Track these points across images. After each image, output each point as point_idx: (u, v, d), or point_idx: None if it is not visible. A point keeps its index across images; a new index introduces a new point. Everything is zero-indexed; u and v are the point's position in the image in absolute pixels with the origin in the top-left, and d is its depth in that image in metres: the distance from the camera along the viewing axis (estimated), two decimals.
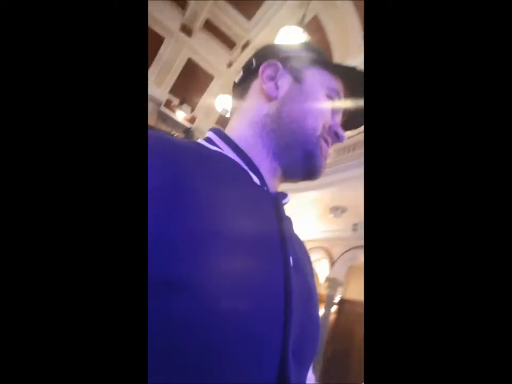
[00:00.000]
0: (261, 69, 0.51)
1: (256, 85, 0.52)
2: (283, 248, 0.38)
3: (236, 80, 0.55)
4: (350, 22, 7.37)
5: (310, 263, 0.52)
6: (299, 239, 0.52)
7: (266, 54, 0.52)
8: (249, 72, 0.53)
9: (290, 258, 0.38)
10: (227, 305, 0.28)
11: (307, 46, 0.54)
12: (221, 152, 0.44)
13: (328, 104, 0.50)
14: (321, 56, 0.53)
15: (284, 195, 0.47)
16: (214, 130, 0.49)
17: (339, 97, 0.51)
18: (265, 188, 0.45)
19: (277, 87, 0.50)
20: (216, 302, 0.27)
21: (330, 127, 0.50)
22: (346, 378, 6.70)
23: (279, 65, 0.51)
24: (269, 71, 0.51)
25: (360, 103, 0.52)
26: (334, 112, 0.51)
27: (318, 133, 0.48)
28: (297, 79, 0.50)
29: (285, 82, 0.50)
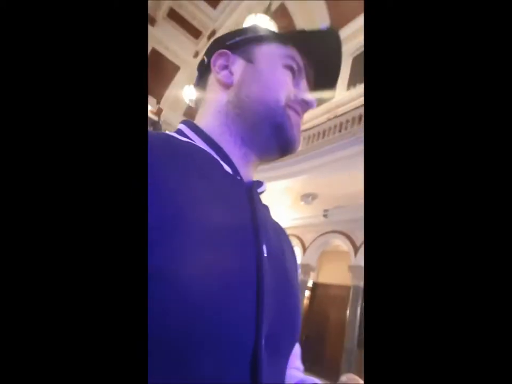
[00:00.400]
0: (212, 61, 0.52)
1: (212, 79, 0.53)
2: (255, 236, 0.38)
3: (194, 83, 0.56)
4: (317, 8, 7.39)
5: (291, 250, 0.52)
6: (278, 226, 0.52)
7: (215, 46, 0.53)
8: (204, 70, 0.54)
9: (264, 246, 0.38)
10: (198, 294, 0.28)
11: (252, 27, 0.54)
12: (192, 143, 0.45)
13: (287, 73, 0.50)
14: (267, 32, 0.53)
15: (259, 183, 0.48)
16: (185, 122, 0.49)
17: (298, 64, 0.51)
18: (238, 177, 0.45)
19: (231, 74, 0.50)
20: (187, 291, 0.28)
21: (295, 96, 0.50)
22: (321, 361, 6.88)
23: (229, 52, 0.52)
24: (220, 61, 0.51)
25: (324, 62, 0.53)
26: (296, 79, 0.51)
27: (282, 104, 0.48)
28: (250, 59, 0.51)
29: (238, 66, 0.51)
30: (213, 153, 0.45)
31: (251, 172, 0.51)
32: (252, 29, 0.53)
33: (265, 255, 0.38)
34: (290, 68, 0.50)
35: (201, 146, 0.45)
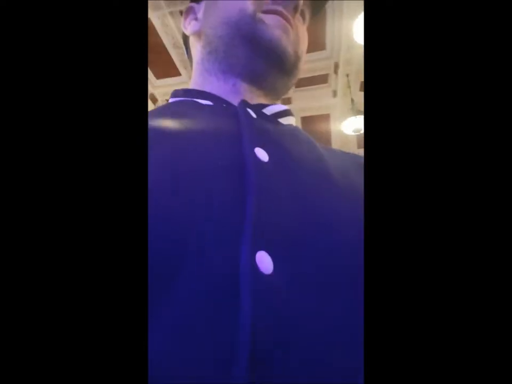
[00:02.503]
0: (182, 24, 0.50)
1: (189, 39, 0.51)
2: (241, 142, 0.32)
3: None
4: None
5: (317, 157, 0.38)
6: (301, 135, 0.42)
7: (185, 12, 0.51)
8: (185, 37, 0.53)
9: (258, 150, 0.31)
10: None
11: None
12: (178, 102, 0.44)
13: None
14: None
15: (259, 105, 0.42)
16: (174, 92, 0.48)
17: None
18: (223, 105, 0.42)
19: (197, 20, 0.48)
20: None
21: None
22: None
23: (193, 4, 0.50)
24: (188, 18, 0.50)
25: None
26: None
27: (249, 11, 0.42)
28: None
29: (201, 9, 0.48)
30: (200, 101, 0.43)
31: (256, 100, 0.45)
32: None
33: (264, 160, 0.30)
34: None
35: (187, 102, 0.43)
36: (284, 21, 0.43)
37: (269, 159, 0.31)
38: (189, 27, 0.49)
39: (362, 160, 0.43)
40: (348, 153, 0.46)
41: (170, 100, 0.47)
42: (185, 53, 0.55)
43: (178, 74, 3.89)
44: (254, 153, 0.30)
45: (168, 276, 0.22)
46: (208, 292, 0.21)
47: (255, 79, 0.44)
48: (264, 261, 0.23)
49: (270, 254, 0.23)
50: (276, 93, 0.48)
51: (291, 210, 0.28)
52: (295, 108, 4.35)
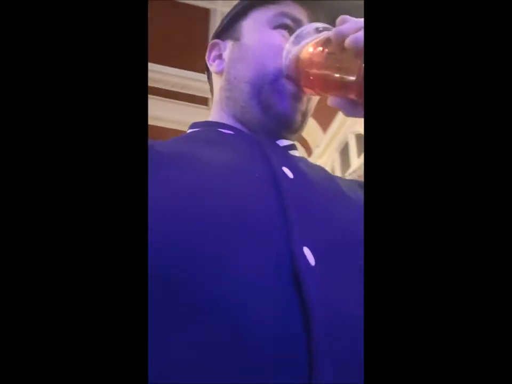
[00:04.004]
0: (206, 58, 0.51)
1: (211, 74, 0.52)
2: (269, 161, 0.37)
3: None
4: None
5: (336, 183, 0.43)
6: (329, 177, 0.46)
7: (210, 46, 0.52)
8: (207, 70, 0.54)
9: (284, 168, 0.36)
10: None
11: (237, 3, 0.50)
12: (203, 130, 0.47)
13: (279, 35, 0.45)
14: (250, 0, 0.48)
15: (273, 140, 0.45)
16: (193, 124, 0.50)
17: (293, 18, 0.45)
18: (242, 135, 0.45)
19: (222, 60, 0.49)
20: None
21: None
22: None
23: (218, 41, 0.50)
24: (213, 54, 0.50)
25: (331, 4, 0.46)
26: (296, 40, 0.44)
27: (270, 78, 0.44)
28: (237, 38, 0.48)
29: (227, 50, 0.49)
30: (222, 130, 0.45)
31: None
32: (236, 4, 0.49)
33: (290, 177, 0.35)
34: (283, 27, 0.45)
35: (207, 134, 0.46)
36: (300, 91, 0.44)
37: (294, 176, 0.36)
38: (214, 64, 0.50)
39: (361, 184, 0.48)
40: (351, 180, 0.51)
41: (189, 131, 0.48)
42: (208, 79, 0.56)
43: None
44: (283, 170, 0.36)
45: (218, 273, 0.25)
46: (261, 282, 0.25)
47: (266, 134, 0.46)
48: (309, 255, 0.27)
49: (311, 250, 0.28)
50: (297, 131, 0.50)
51: (320, 216, 0.33)
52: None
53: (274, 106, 0.44)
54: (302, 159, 0.46)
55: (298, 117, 0.46)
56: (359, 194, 0.42)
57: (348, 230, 0.33)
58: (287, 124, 0.45)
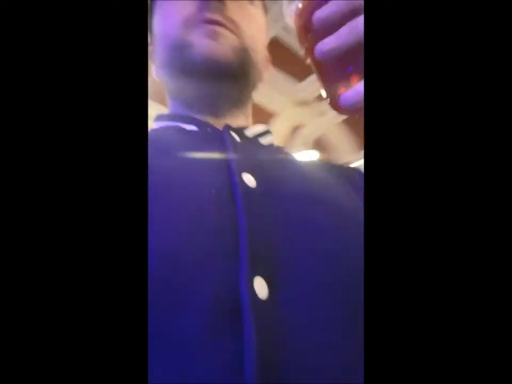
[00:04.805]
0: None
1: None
2: (229, 168, 0.32)
3: None
4: None
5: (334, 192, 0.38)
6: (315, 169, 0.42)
7: None
8: None
9: (245, 176, 0.31)
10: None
11: None
12: (164, 129, 0.44)
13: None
14: None
15: (240, 128, 0.43)
16: (159, 116, 0.49)
17: None
18: (208, 129, 0.42)
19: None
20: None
21: (197, 15, 0.42)
22: None
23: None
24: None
25: None
26: None
27: (177, 42, 0.42)
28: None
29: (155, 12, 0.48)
30: (185, 126, 0.43)
31: (233, 118, 0.46)
32: None
33: (252, 186, 0.31)
34: None
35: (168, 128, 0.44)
36: (211, 26, 0.41)
37: (257, 185, 0.31)
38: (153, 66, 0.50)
39: (347, 170, 0.44)
40: (332, 164, 0.46)
41: (154, 125, 0.47)
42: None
43: None
44: (242, 179, 0.31)
45: (168, 301, 0.23)
46: (208, 318, 0.22)
47: (213, 105, 0.44)
48: (260, 287, 0.24)
49: (265, 279, 0.24)
50: (244, 101, 0.48)
51: (281, 235, 0.28)
52: None
53: (190, 63, 0.41)
54: (274, 150, 0.43)
55: (228, 53, 0.41)
56: (338, 190, 0.38)
57: (314, 251, 0.29)
58: (218, 71, 0.41)
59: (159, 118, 0.47)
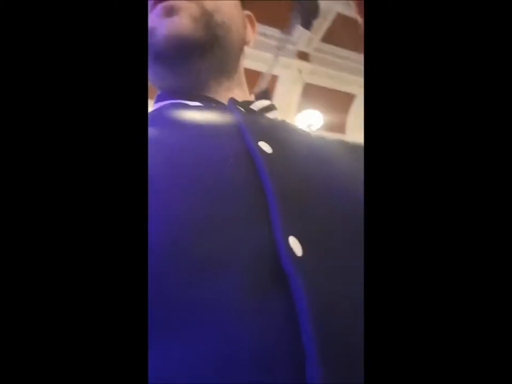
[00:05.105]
0: None
1: None
2: (243, 137, 0.32)
3: None
4: None
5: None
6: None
7: None
8: None
9: (261, 143, 0.32)
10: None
11: None
12: (168, 105, 0.42)
13: None
14: None
15: (247, 102, 0.41)
16: (160, 95, 0.48)
17: None
18: (213, 105, 0.41)
19: None
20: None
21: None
22: None
23: None
24: None
25: None
26: None
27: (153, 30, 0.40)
28: None
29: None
30: (188, 103, 0.41)
31: (226, 90, 0.45)
32: None
33: (269, 151, 0.31)
34: None
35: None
36: (166, 3, 0.39)
37: (273, 151, 0.32)
38: None
39: (346, 144, 0.43)
40: (331, 139, 0.45)
41: (155, 106, 0.45)
42: None
43: None
44: (259, 146, 0.31)
45: (205, 267, 0.23)
46: (248, 279, 0.23)
47: (200, 83, 0.43)
48: (295, 245, 0.24)
49: (298, 239, 0.25)
50: (230, 70, 0.46)
51: (305, 195, 0.29)
52: None
53: (157, 46, 0.39)
54: (281, 123, 0.42)
55: (190, 28, 0.39)
56: (346, 157, 0.38)
57: (337, 210, 0.30)
58: (187, 46, 0.40)
59: (160, 97, 0.45)
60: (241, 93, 0.47)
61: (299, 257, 0.24)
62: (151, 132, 0.33)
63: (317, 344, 0.20)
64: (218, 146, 0.32)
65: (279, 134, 0.36)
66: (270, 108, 0.44)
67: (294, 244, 0.24)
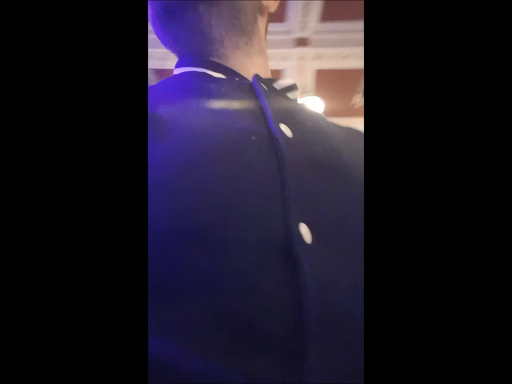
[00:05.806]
0: None
1: None
2: (265, 118, 0.33)
3: None
4: None
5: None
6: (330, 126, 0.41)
7: None
8: None
9: (282, 126, 0.32)
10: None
11: None
12: (191, 73, 0.41)
13: None
14: None
15: (269, 79, 0.41)
16: (182, 61, 0.46)
17: None
18: (236, 78, 0.41)
19: None
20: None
21: None
22: None
23: None
24: None
25: None
26: None
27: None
28: None
29: None
30: (212, 73, 0.41)
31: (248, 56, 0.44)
32: None
33: (289, 136, 0.31)
34: None
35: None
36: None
37: (293, 135, 0.32)
38: None
39: (359, 133, 0.43)
40: (345, 127, 0.45)
41: (177, 71, 0.43)
42: None
43: None
44: (281, 129, 0.31)
45: (218, 239, 0.24)
46: (258, 255, 0.24)
47: (211, 41, 0.41)
48: (305, 232, 0.25)
49: (309, 226, 0.25)
50: (247, 32, 0.44)
51: (321, 184, 0.29)
52: None
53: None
54: (301, 106, 0.41)
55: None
56: (360, 146, 0.36)
57: (349, 200, 0.30)
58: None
59: (182, 62, 0.43)
60: (261, 60, 0.46)
61: (308, 244, 0.25)
62: (174, 95, 0.35)
63: (317, 319, 0.21)
64: (241, 123, 0.32)
65: (299, 117, 0.37)
66: (292, 87, 0.43)
67: (305, 230, 0.25)
